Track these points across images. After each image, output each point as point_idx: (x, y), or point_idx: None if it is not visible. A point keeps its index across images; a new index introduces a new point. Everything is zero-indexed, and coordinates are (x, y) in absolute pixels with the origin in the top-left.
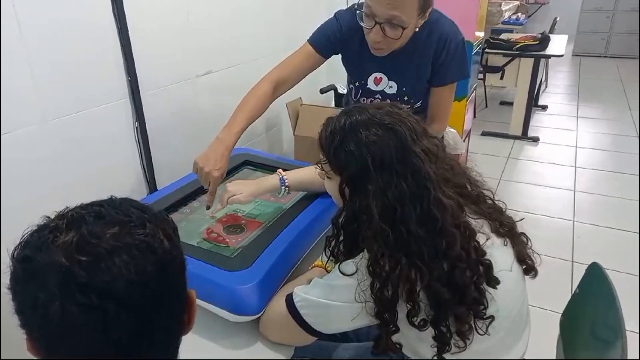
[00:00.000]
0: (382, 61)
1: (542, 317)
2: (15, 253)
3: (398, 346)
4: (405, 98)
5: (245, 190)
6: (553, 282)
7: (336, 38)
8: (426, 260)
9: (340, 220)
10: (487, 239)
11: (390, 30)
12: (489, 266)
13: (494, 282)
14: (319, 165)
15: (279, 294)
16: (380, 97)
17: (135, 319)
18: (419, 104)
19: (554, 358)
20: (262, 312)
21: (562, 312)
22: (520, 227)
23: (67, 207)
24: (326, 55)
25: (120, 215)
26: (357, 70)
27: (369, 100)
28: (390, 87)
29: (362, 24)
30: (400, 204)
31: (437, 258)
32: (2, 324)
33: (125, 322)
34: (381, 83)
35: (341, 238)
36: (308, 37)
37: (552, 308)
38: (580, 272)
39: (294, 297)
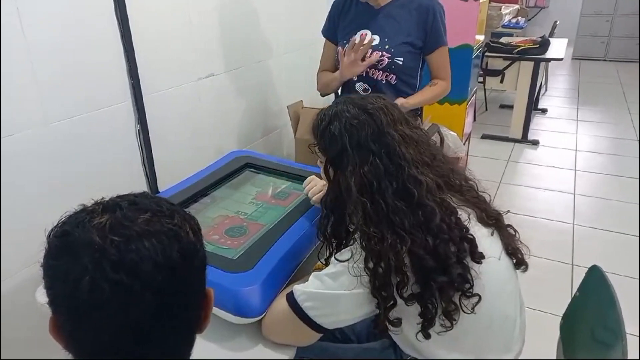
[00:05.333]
0: (367, 20)
1: (542, 320)
2: (53, 231)
3: (396, 321)
4: (387, 47)
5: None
6: (553, 285)
7: (336, 17)
8: (407, 229)
9: (327, 200)
10: (468, 216)
11: None
12: (471, 240)
13: (478, 256)
14: (311, 149)
15: (281, 295)
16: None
17: (157, 302)
18: (400, 59)
19: (554, 359)
20: (264, 314)
21: (562, 315)
22: (521, 231)
23: (102, 197)
24: (336, 39)
25: (152, 204)
26: (347, 30)
27: None
28: (374, 40)
29: None
30: (377, 179)
31: (420, 228)
32: (2, 324)
33: (148, 304)
34: (365, 38)
35: (331, 220)
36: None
37: (552, 311)
38: (580, 275)
39: (294, 292)
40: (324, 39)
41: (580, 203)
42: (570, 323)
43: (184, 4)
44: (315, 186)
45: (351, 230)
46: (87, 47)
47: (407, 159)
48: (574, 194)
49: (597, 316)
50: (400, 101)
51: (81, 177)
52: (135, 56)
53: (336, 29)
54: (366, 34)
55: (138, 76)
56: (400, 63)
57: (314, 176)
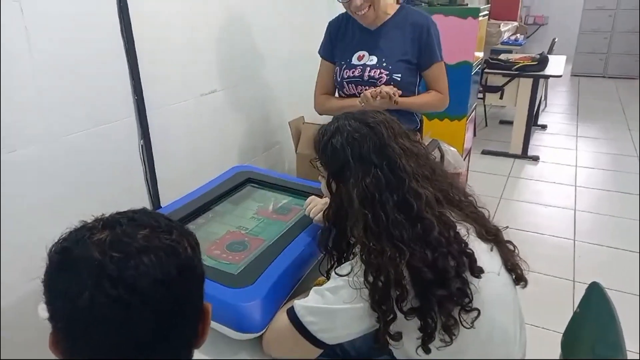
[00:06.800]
0: (364, 41)
1: (543, 336)
2: (54, 247)
3: (397, 335)
4: (384, 65)
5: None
6: (554, 301)
7: (333, 38)
8: (406, 241)
9: (329, 213)
10: (467, 230)
11: None
12: (470, 255)
13: (477, 271)
14: (313, 163)
15: (281, 310)
16: (362, 68)
17: (155, 318)
18: (398, 76)
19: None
20: (265, 330)
21: (563, 332)
22: (521, 247)
23: (103, 214)
24: (334, 60)
25: (151, 221)
26: (345, 52)
27: (351, 71)
28: (371, 60)
29: (342, 1)
30: (378, 191)
31: (418, 241)
32: (2, 324)
33: (147, 319)
34: (363, 58)
35: (333, 233)
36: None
37: (553, 328)
38: (581, 292)
39: (295, 307)
40: None
41: (580, 219)
42: (571, 339)
43: (187, 21)
44: (316, 206)
45: (352, 243)
46: (92, 63)
47: (407, 172)
48: (575, 210)
49: (598, 333)
50: (386, 88)
51: (84, 192)
52: (140, 72)
53: (333, 50)
54: (363, 55)
55: (142, 92)
56: (399, 79)
57: (314, 196)
